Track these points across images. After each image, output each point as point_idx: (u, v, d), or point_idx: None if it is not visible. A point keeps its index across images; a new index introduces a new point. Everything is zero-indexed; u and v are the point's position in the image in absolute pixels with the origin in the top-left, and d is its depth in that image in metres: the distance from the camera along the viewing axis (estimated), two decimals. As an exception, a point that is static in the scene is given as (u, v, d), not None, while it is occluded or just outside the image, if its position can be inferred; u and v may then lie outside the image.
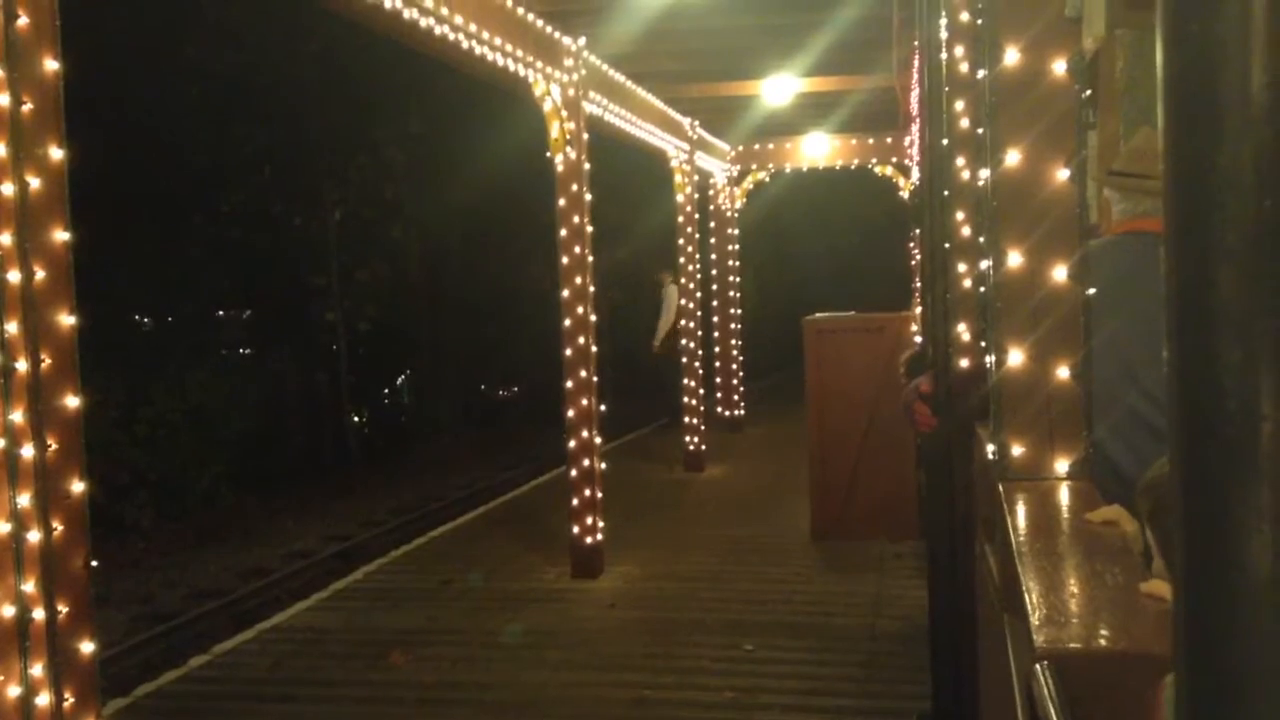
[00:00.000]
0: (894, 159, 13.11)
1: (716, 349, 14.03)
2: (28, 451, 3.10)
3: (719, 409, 14.12)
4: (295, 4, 12.82)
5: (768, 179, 14.05)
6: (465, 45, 5.80)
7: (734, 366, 14.14)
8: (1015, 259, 2.34)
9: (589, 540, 7.35)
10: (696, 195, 11.83)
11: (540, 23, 6.71)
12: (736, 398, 14.29)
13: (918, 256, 9.49)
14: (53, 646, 3.12)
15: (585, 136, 7.37)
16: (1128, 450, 2.34)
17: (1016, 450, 2.33)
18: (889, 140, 12.87)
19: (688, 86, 9.97)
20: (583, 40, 7.31)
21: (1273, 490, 0.54)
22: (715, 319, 13.98)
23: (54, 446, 3.16)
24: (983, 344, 2.82)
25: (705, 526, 8.98)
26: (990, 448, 2.43)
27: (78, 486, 3.23)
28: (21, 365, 3.09)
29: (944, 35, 3.42)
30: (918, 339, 6.10)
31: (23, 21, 3.10)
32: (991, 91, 2.38)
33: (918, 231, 7.04)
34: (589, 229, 7.34)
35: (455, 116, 19.14)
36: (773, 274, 26.81)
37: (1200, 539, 0.56)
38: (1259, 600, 0.54)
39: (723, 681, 5.34)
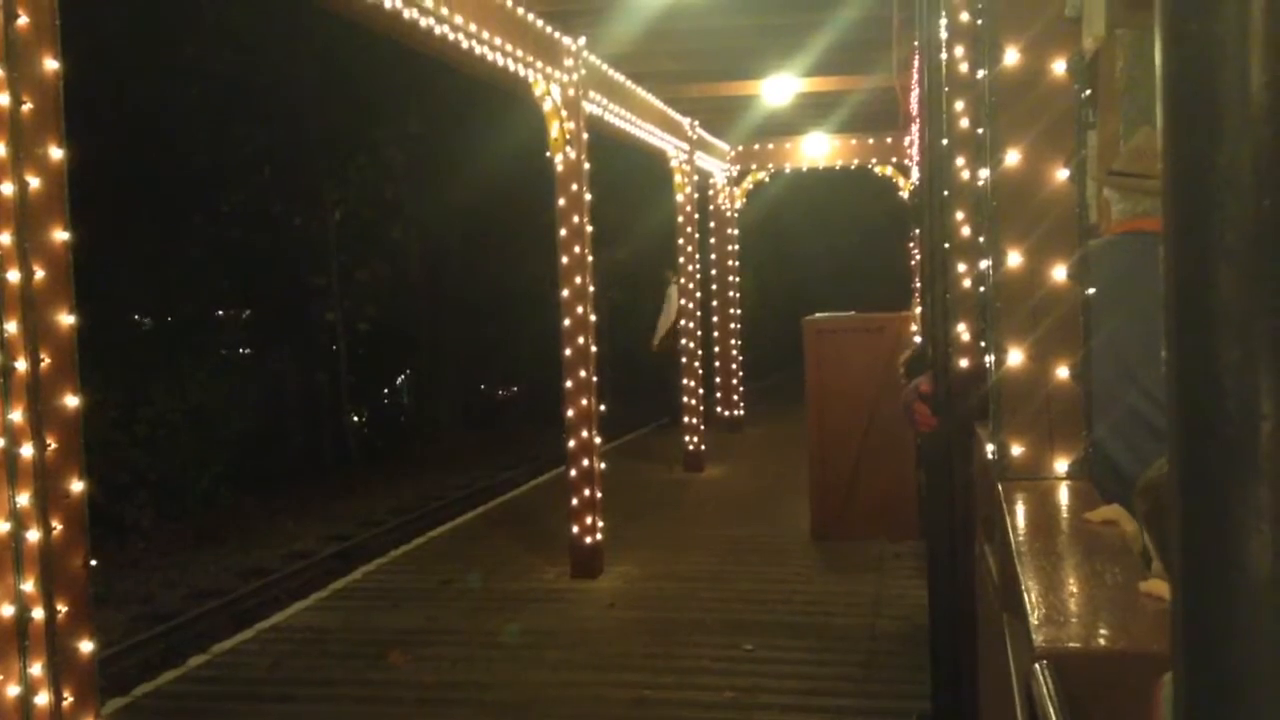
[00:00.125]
0: (894, 159, 13.11)
1: (716, 349, 14.03)
2: (27, 451, 3.11)
3: (719, 409, 14.12)
4: (295, 4, 12.80)
5: (767, 179, 14.05)
6: (465, 45, 5.80)
7: (734, 366, 14.14)
8: (1015, 259, 2.34)
9: (589, 540, 7.35)
10: (696, 195, 11.83)
11: (540, 23, 6.72)
12: (736, 398, 14.29)
13: (918, 256, 9.49)
14: (52, 646, 3.12)
15: (585, 136, 7.37)
16: (1127, 450, 2.34)
17: (1016, 450, 2.33)
18: (889, 140, 12.87)
19: (687, 86, 9.97)
20: (583, 40, 7.31)
21: (1272, 490, 0.54)
22: (715, 319, 13.98)
23: (53, 446, 3.16)
24: (982, 344, 2.82)
25: (705, 526, 8.98)
26: (990, 447, 2.43)
27: (77, 486, 3.24)
28: (21, 365, 3.09)
29: (944, 35, 3.42)
30: (918, 339, 6.09)
31: (23, 21, 3.10)
32: (991, 91, 2.38)
33: (918, 231, 7.05)
34: (589, 229, 7.34)
35: (455, 116, 19.15)
36: (773, 274, 26.80)
37: (1200, 539, 0.56)
38: (1259, 600, 0.54)
39: (723, 681, 5.33)
